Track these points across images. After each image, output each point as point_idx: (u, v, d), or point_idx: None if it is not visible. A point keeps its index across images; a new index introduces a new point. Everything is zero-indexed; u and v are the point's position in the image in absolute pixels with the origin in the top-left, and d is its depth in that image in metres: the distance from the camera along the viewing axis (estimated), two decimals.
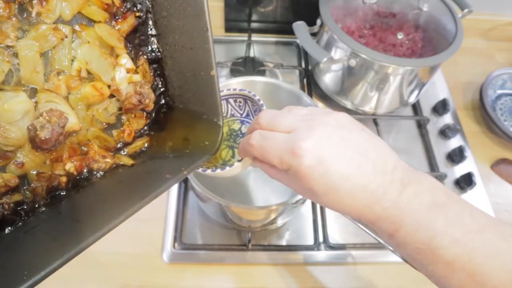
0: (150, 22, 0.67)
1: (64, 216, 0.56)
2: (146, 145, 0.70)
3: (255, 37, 1.56)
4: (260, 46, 1.55)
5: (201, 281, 0.98)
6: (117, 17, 0.64)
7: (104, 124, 0.66)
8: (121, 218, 0.51)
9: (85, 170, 0.63)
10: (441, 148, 1.30)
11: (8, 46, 0.52)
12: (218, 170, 0.64)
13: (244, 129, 0.74)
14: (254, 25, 1.58)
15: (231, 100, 0.75)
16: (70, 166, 0.60)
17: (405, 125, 1.37)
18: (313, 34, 1.30)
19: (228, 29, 1.58)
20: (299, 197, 0.86)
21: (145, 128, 0.71)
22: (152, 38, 0.68)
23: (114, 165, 0.65)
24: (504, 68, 1.44)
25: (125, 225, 0.52)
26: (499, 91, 1.42)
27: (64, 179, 0.60)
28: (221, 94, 0.66)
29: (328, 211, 1.10)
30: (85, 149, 0.63)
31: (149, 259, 1.00)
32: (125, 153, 0.68)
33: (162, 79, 0.71)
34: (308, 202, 1.12)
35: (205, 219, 1.08)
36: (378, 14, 1.33)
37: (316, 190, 0.51)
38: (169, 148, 0.68)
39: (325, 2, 1.21)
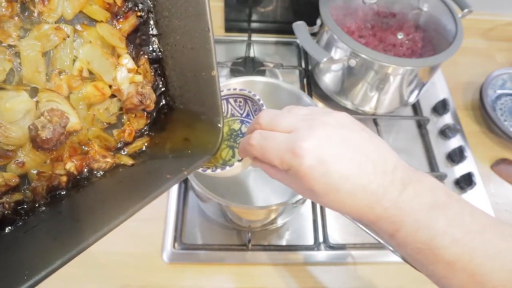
0: (151, 22, 0.67)
1: (64, 215, 0.56)
2: (146, 145, 0.70)
3: (255, 37, 1.56)
4: (260, 46, 1.55)
5: (201, 281, 0.98)
6: (118, 17, 0.64)
7: (104, 124, 0.66)
8: (121, 218, 0.51)
9: (85, 170, 0.63)
10: (441, 148, 1.30)
11: (10, 46, 0.52)
12: (218, 170, 0.64)
13: (244, 129, 0.74)
14: (254, 25, 1.58)
15: (231, 100, 0.75)
16: (70, 166, 0.60)
17: (405, 125, 1.36)
18: (313, 34, 1.30)
19: (228, 29, 1.58)
20: (299, 197, 0.86)
21: (146, 128, 0.71)
22: (153, 38, 0.68)
23: (114, 165, 0.65)
24: (504, 68, 1.44)
25: (125, 225, 0.52)
26: (499, 91, 1.42)
27: (64, 178, 0.60)
28: (221, 94, 0.66)
29: (328, 211, 1.10)
30: (86, 148, 0.63)
31: (149, 259, 1.00)
32: (126, 152, 0.68)
33: (162, 79, 0.71)
34: (308, 202, 1.12)
35: (205, 219, 1.08)
36: (378, 14, 1.33)
37: (317, 190, 0.50)
38: (169, 148, 0.68)
39: (325, 2, 1.21)
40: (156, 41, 0.68)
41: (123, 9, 0.64)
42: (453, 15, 1.20)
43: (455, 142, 1.31)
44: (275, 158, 0.53)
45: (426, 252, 0.48)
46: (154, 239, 1.02)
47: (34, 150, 0.56)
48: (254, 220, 1.01)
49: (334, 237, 1.08)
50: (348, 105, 1.33)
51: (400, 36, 1.28)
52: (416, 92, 1.28)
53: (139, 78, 0.66)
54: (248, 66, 1.41)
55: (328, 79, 1.32)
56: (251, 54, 1.47)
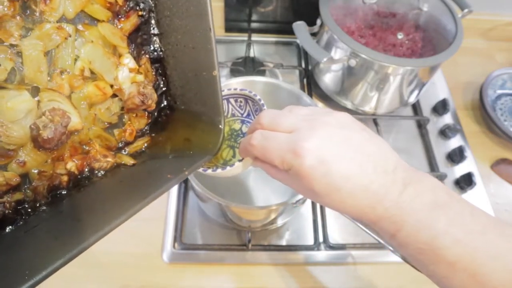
0: (153, 21, 0.67)
1: (65, 215, 0.56)
2: (147, 145, 0.70)
3: (255, 37, 1.56)
4: (260, 46, 1.55)
5: (201, 281, 0.98)
6: (119, 16, 0.64)
7: (106, 123, 0.66)
8: (122, 218, 0.51)
9: (86, 169, 0.63)
10: (441, 148, 1.30)
11: (12, 45, 0.52)
12: (219, 170, 0.64)
13: (244, 129, 0.74)
14: (254, 25, 1.58)
15: (231, 100, 0.75)
16: (71, 165, 0.60)
17: (405, 125, 1.36)
18: (313, 34, 1.30)
19: (228, 29, 1.58)
20: (299, 197, 0.86)
21: (147, 127, 0.71)
22: (155, 38, 0.68)
23: (115, 165, 0.65)
24: (504, 68, 1.44)
25: (125, 225, 0.52)
26: (499, 91, 1.42)
27: (65, 178, 0.60)
28: (222, 93, 0.66)
29: (328, 211, 1.10)
30: (87, 148, 0.63)
31: (149, 259, 1.00)
32: (126, 152, 0.68)
33: (164, 78, 0.71)
34: (308, 202, 1.12)
35: (205, 219, 1.08)
36: (378, 14, 1.33)
37: (318, 190, 0.50)
38: (170, 148, 0.68)
39: (325, 2, 1.21)
40: (157, 41, 0.68)
41: (124, 8, 0.64)
42: (453, 15, 1.20)
43: (455, 142, 1.31)
44: (276, 158, 0.53)
45: (427, 252, 0.48)
46: (154, 239, 1.02)
47: (35, 150, 0.56)
48: (254, 220, 1.01)
49: (334, 237, 1.08)
50: (348, 105, 1.33)
51: (400, 36, 1.28)
52: (416, 92, 1.28)
53: (140, 77, 0.66)
54: (248, 66, 1.41)
55: (328, 79, 1.32)
56: (251, 54, 1.47)
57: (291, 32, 1.20)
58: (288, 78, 1.44)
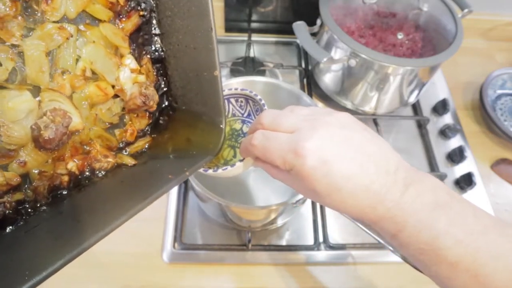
0: (154, 22, 0.67)
1: (65, 215, 0.56)
2: (148, 145, 0.70)
3: (255, 37, 1.56)
4: (260, 46, 1.55)
5: (201, 281, 0.98)
6: (121, 16, 0.64)
7: (107, 123, 0.66)
8: (122, 218, 0.51)
9: (87, 170, 0.63)
10: (441, 148, 1.30)
11: (13, 45, 0.52)
12: (220, 170, 0.64)
13: (245, 129, 0.74)
14: (254, 25, 1.58)
15: (232, 100, 0.74)
16: (72, 165, 0.60)
17: (405, 125, 1.37)
18: (313, 34, 1.30)
19: (228, 29, 1.58)
20: (299, 197, 0.86)
21: (148, 128, 0.71)
22: (156, 38, 0.68)
23: (116, 165, 0.65)
24: (504, 68, 1.44)
25: (125, 225, 0.52)
26: (499, 91, 1.42)
27: (66, 178, 0.59)
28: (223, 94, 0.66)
29: (328, 211, 1.10)
30: (87, 148, 0.63)
31: (149, 259, 1.00)
32: (127, 152, 0.68)
33: (165, 79, 0.71)
34: (308, 202, 1.12)
35: (205, 219, 1.08)
36: (378, 14, 1.33)
37: (319, 191, 0.50)
38: (171, 149, 0.68)
39: (325, 2, 1.21)
40: (159, 41, 0.68)
41: (125, 8, 0.64)
42: (453, 15, 1.20)
43: (455, 142, 1.31)
44: (277, 159, 0.53)
45: (429, 252, 0.48)
46: (154, 239, 1.02)
47: (36, 150, 0.55)
48: (254, 220, 1.01)
49: (334, 237, 1.08)
50: (348, 105, 1.33)
51: (400, 36, 1.28)
52: (416, 92, 1.28)
53: (142, 78, 0.66)
54: (248, 66, 1.41)
55: (328, 79, 1.32)
56: (251, 54, 1.47)
57: (291, 32, 1.20)
58: (288, 78, 1.44)
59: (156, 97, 0.68)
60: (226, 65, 1.41)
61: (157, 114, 0.72)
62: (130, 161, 0.66)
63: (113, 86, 0.64)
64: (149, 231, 1.03)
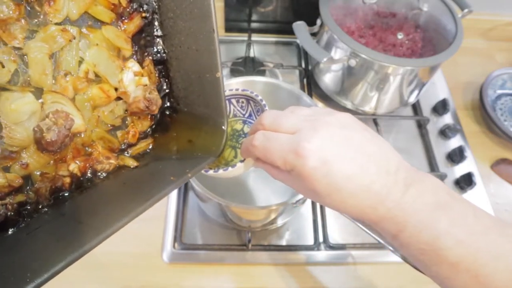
0: (156, 23, 0.67)
1: (67, 217, 0.56)
2: (150, 146, 0.70)
3: (255, 37, 1.56)
4: (260, 46, 1.55)
5: (201, 281, 0.98)
6: (123, 18, 0.64)
7: (109, 125, 0.66)
8: (124, 220, 0.51)
9: (88, 171, 0.62)
10: (441, 148, 1.30)
11: (15, 47, 0.52)
12: (221, 171, 0.64)
13: (246, 129, 0.74)
14: (254, 25, 1.58)
15: (233, 101, 0.75)
16: (74, 167, 0.60)
17: (405, 125, 1.37)
18: (313, 34, 1.30)
19: (228, 29, 1.58)
20: (299, 197, 0.86)
21: (149, 129, 0.71)
22: (158, 39, 0.68)
23: (117, 167, 0.65)
24: (504, 68, 1.44)
25: (125, 226, 0.52)
26: (499, 91, 1.42)
27: (67, 180, 0.59)
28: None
29: (328, 211, 1.11)
30: (89, 150, 0.63)
31: (149, 259, 1.00)
32: (129, 154, 0.68)
33: (167, 80, 0.71)
34: (308, 202, 1.12)
35: (205, 219, 1.08)
36: (378, 14, 1.33)
37: (319, 191, 0.50)
38: (173, 150, 0.68)
39: (325, 2, 1.21)
40: (161, 42, 0.68)
41: (128, 10, 0.64)
42: (453, 15, 1.21)
43: (455, 142, 1.31)
44: (278, 159, 0.53)
45: (430, 253, 0.48)
46: (154, 239, 1.02)
47: (38, 152, 0.55)
48: (254, 220, 1.01)
49: (334, 237, 1.08)
50: (348, 105, 1.33)
51: (400, 36, 1.28)
52: (416, 92, 1.28)
53: (145, 80, 0.66)
54: (248, 66, 1.41)
55: (328, 79, 1.32)
56: (251, 54, 1.47)
57: (291, 32, 1.20)
58: (288, 78, 1.44)
59: (159, 101, 0.68)
60: (226, 65, 1.41)
61: (159, 115, 0.72)
62: (132, 163, 0.66)
63: (116, 89, 0.64)
64: (149, 231, 1.03)
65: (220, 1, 1.49)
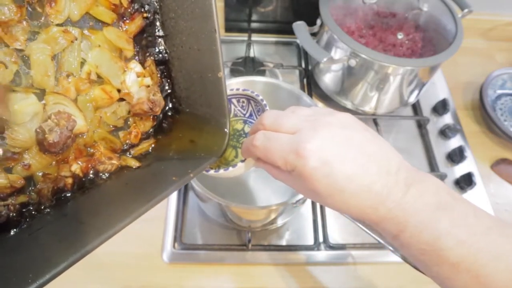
0: (158, 23, 0.67)
1: (69, 218, 0.56)
2: (152, 147, 0.70)
3: (255, 37, 1.56)
4: (260, 46, 1.55)
5: (201, 281, 0.98)
6: (124, 18, 0.64)
7: (111, 126, 0.66)
8: (126, 220, 0.52)
9: (91, 172, 0.62)
10: (441, 148, 1.30)
11: (17, 49, 0.52)
12: (221, 171, 0.64)
13: (247, 129, 0.74)
14: (254, 25, 1.58)
15: (234, 100, 0.75)
16: (76, 168, 0.60)
17: (405, 125, 1.37)
18: (313, 34, 1.30)
19: (228, 29, 1.58)
20: (299, 197, 0.86)
21: (151, 130, 0.71)
22: (159, 39, 0.68)
23: (119, 167, 0.65)
24: (504, 68, 1.44)
25: (127, 226, 0.52)
26: (499, 91, 1.42)
27: (69, 180, 0.59)
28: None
29: (328, 211, 1.11)
30: (91, 150, 0.63)
31: (150, 260, 1.00)
32: (131, 155, 0.68)
33: (168, 80, 0.71)
34: (308, 202, 1.12)
35: (205, 219, 1.08)
36: (378, 14, 1.33)
37: (320, 191, 0.50)
38: (175, 150, 0.68)
39: (325, 2, 1.21)
40: (162, 43, 0.68)
41: (129, 10, 0.64)
42: (453, 15, 1.21)
43: (455, 142, 1.31)
44: (279, 159, 0.53)
45: (430, 253, 0.48)
46: (154, 239, 1.03)
47: (41, 153, 0.56)
48: (254, 220, 1.01)
49: (334, 237, 1.08)
50: (348, 105, 1.33)
51: (400, 36, 1.28)
52: (416, 92, 1.28)
53: (148, 80, 0.66)
54: (248, 66, 1.41)
55: (328, 79, 1.32)
56: (251, 54, 1.47)
57: (291, 32, 1.20)
58: (288, 78, 1.44)
59: (162, 103, 0.68)
60: (226, 65, 1.41)
61: (161, 116, 0.72)
62: (134, 163, 0.66)
63: (118, 90, 0.64)
64: (150, 232, 1.03)
65: (220, 1, 1.49)
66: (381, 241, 0.62)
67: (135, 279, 0.97)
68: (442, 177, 1.19)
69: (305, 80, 1.45)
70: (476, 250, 0.46)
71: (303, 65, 1.50)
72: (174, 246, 1.02)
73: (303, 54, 1.53)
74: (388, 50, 1.26)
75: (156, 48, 0.68)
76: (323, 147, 0.50)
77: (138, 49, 0.67)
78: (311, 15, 1.31)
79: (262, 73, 1.41)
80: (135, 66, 0.65)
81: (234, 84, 1.00)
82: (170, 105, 0.72)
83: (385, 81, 1.17)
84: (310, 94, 1.40)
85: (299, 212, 1.10)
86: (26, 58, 0.54)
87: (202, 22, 0.61)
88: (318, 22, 1.29)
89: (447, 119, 1.37)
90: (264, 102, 0.69)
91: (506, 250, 0.47)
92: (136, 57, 0.67)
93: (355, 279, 1.02)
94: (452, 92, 1.46)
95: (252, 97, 0.72)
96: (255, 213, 0.97)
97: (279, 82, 1.04)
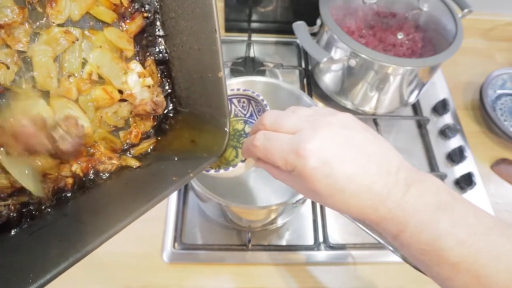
0: (158, 23, 0.67)
1: (69, 218, 0.56)
2: (152, 147, 0.70)
3: (255, 37, 1.56)
4: (260, 46, 1.55)
5: (201, 281, 0.98)
6: (125, 18, 0.64)
7: (111, 126, 0.66)
8: (127, 220, 0.52)
9: (91, 172, 0.62)
10: (441, 148, 1.30)
11: (18, 51, 0.52)
12: (222, 171, 0.64)
13: (247, 129, 0.74)
14: (254, 25, 1.58)
15: (234, 100, 0.75)
16: (76, 168, 0.60)
17: (405, 125, 1.37)
18: (313, 34, 1.30)
19: (228, 29, 1.58)
20: (299, 197, 0.86)
21: (152, 130, 0.71)
22: (160, 39, 0.68)
23: (120, 167, 0.65)
24: (504, 68, 1.44)
25: (128, 226, 0.52)
26: (499, 91, 1.42)
27: (70, 180, 0.59)
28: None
29: (328, 211, 1.11)
30: (92, 150, 0.63)
31: (150, 260, 1.00)
32: (131, 154, 0.68)
33: (169, 80, 0.71)
34: (308, 202, 1.12)
35: (205, 219, 1.08)
36: (378, 14, 1.33)
37: (320, 191, 0.50)
38: (175, 150, 0.68)
39: (325, 2, 1.21)
40: (163, 42, 0.68)
41: (129, 10, 0.64)
42: (453, 15, 1.21)
43: (455, 142, 1.31)
44: (279, 159, 0.53)
45: (430, 253, 0.48)
46: (154, 239, 1.03)
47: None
48: (254, 220, 1.01)
49: (334, 237, 1.08)
50: (348, 105, 1.33)
51: (400, 36, 1.28)
52: (416, 92, 1.28)
53: (149, 80, 0.66)
54: (248, 66, 1.41)
55: (328, 79, 1.32)
56: (251, 54, 1.47)
57: (291, 32, 1.20)
58: (288, 78, 1.44)
59: (164, 104, 0.68)
60: (226, 65, 1.41)
61: (161, 116, 0.72)
62: (134, 163, 0.66)
63: (119, 91, 0.64)
64: (150, 232, 1.03)
65: (220, 1, 1.49)
66: (381, 241, 0.62)
67: (135, 279, 0.97)
68: (442, 177, 1.19)
69: (305, 80, 1.45)
70: (476, 250, 0.46)
71: (303, 65, 1.50)
72: (174, 246, 1.02)
73: (303, 54, 1.53)
74: (388, 50, 1.26)
75: (156, 47, 0.68)
76: (323, 147, 0.50)
77: (138, 49, 0.67)
78: (311, 15, 1.31)
79: (262, 73, 1.41)
80: (136, 67, 0.65)
81: (234, 84, 1.00)
82: (171, 105, 0.72)
83: (385, 81, 1.17)
84: (310, 94, 1.40)
85: (299, 212, 1.10)
86: (28, 59, 0.54)
87: (202, 22, 0.61)
88: (318, 22, 1.29)
89: (447, 119, 1.37)
90: (265, 102, 0.69)
91: (506, 250, 0.47)
92: (136, 57, 0.67)
93: (355, 279, 1.02)
94: (452, 92, 1.46)
95: (252, 98, 0.72)
96: (255, 213, 0.97)
97: (279, 82, 1.04)
